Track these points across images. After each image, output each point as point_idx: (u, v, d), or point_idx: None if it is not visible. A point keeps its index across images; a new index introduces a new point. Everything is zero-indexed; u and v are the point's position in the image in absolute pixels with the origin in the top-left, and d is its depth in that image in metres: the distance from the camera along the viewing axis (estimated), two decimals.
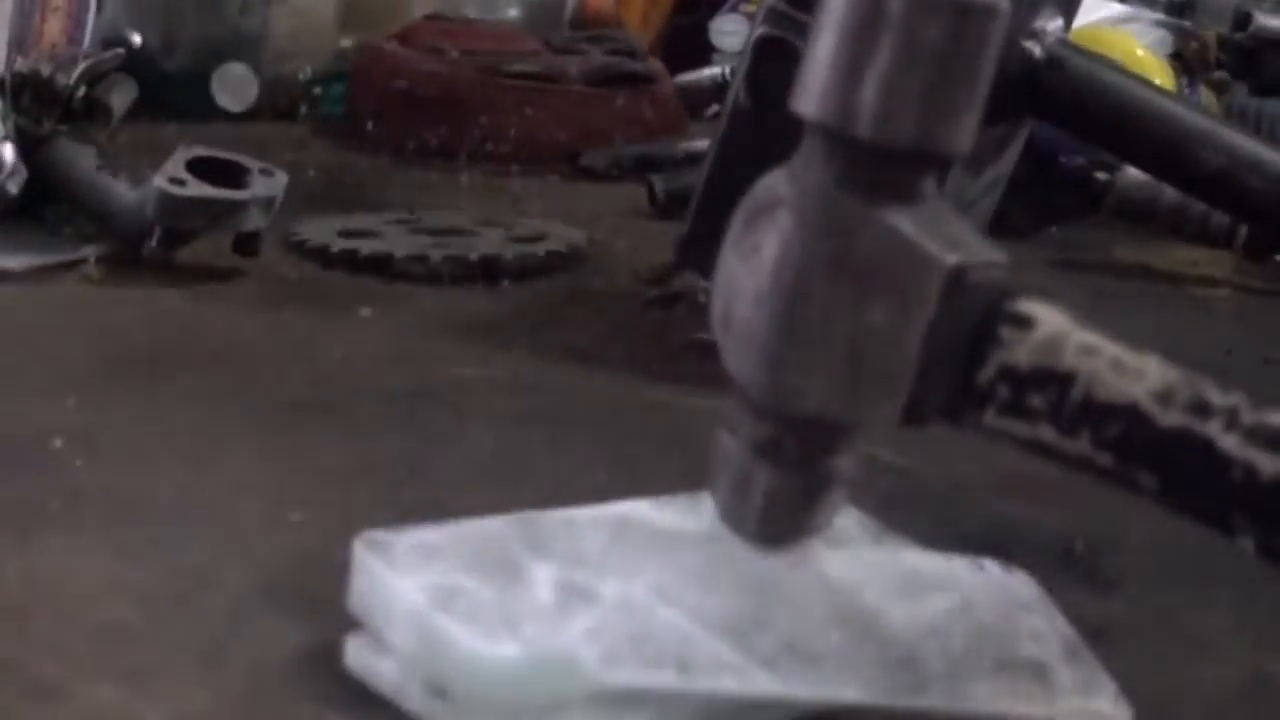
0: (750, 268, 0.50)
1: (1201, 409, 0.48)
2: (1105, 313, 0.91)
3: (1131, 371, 0.49)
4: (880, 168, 0.49)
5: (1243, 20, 1.20)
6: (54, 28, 1.04)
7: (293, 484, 0.65)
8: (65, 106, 0.97)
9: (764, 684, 0.49)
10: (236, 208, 0.88)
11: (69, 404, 0.71)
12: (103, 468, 0.65)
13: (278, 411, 0.72)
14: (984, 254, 0.50)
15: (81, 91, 0.98)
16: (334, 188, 1.13)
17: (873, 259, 0.49)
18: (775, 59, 0.75)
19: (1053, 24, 0.82)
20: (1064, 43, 0.84)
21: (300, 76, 1.29)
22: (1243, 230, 1.05)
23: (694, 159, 1.21)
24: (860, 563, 0.56)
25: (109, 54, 1.04)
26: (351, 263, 0.93)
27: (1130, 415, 0.49)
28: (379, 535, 0.51)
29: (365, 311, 0.88)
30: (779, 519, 0.52)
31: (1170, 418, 0.49)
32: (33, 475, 0.64)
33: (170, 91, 1.21)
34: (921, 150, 0.49)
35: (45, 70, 0.98)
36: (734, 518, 0.52)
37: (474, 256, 0.94)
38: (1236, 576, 0.63)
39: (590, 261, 0.99)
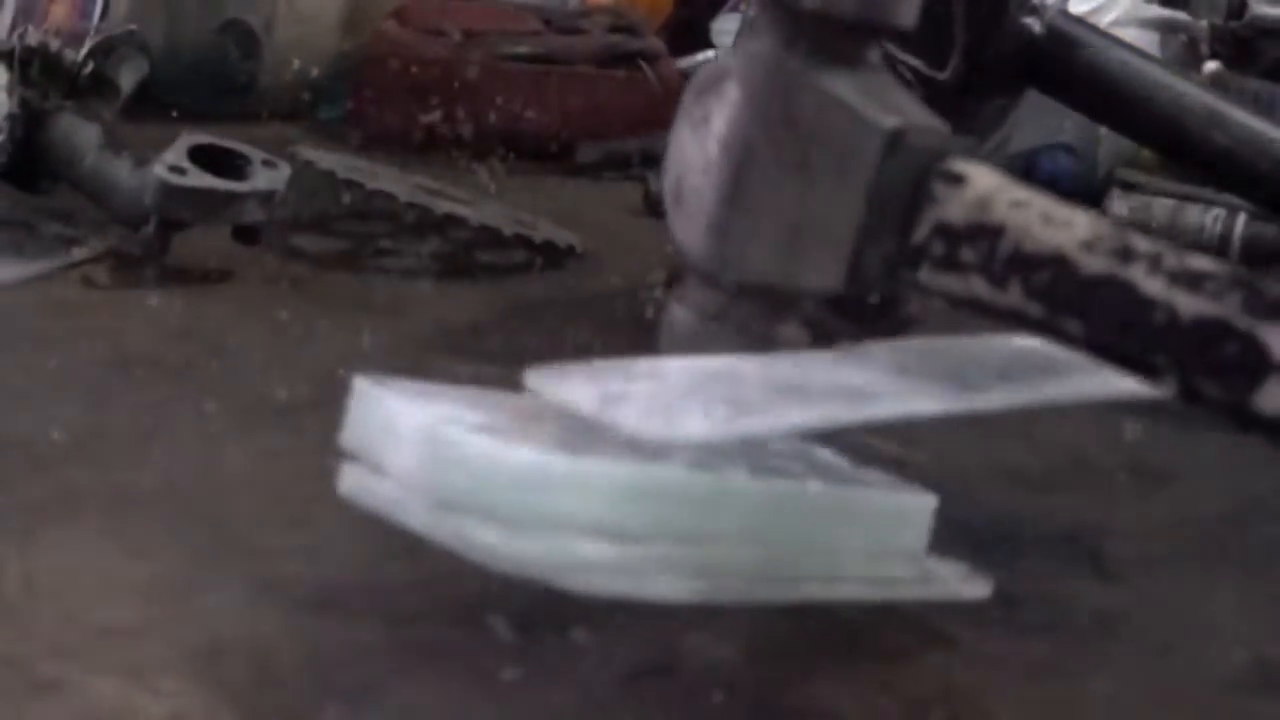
0: (699, 138, 0.52)
1: (1125, 254, 0.49)
2: None
3: (1060, 222, 0.51)
4: (824, 36, 0.51)
5: (1237, 8, 1.19)
6: (60, 12, 1.03)
7: (290, 483, 0.65)
8: (72, 82, 0.96)
9: (829, 413, 0.49)
10: (235, 199, 0.87)
11: (67, 404, 0.71)
12: (101, 467, 0.65)
13: (275, 411, 0.72)
14: (922, 119, 0.51)
15: (89, 67, 0.97)
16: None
17: (815, 123, 0.51)
18: None
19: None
20: (1065, 15, 0.83)
21: (298, 72, 1.28)
22: (1236, 243, 1.04)
23: None
24: None
25: (120, 31, 1.03)
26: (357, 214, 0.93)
27: (1057, 263, 0.50)
28: (378, 378, 0.51)
29: (361, 311, 0.88)
30: None
31: (1095, 264, 0.50)
32: (33, 475, 0.64)
33: (172, 92, 1.20)
34: (864, 19, 0.51)
35: (53, 44, 0.97)
36: None
37: (474, 221, 0.94)
38: (1240, 563, 0.64)
39: (586, 259, 0.98)
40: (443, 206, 0.94)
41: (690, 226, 0.53)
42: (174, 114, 1.12)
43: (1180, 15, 1.26)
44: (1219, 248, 1.05)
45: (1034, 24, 0.79)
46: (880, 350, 0.54)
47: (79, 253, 0.89)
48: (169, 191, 0.86)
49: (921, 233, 0.51)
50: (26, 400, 0.72)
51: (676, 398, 0.48)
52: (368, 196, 0.94)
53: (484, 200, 1.01)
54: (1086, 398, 0.54)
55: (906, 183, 0.51)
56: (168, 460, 0.66)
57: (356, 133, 1.24)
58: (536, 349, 0.82)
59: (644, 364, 0.51)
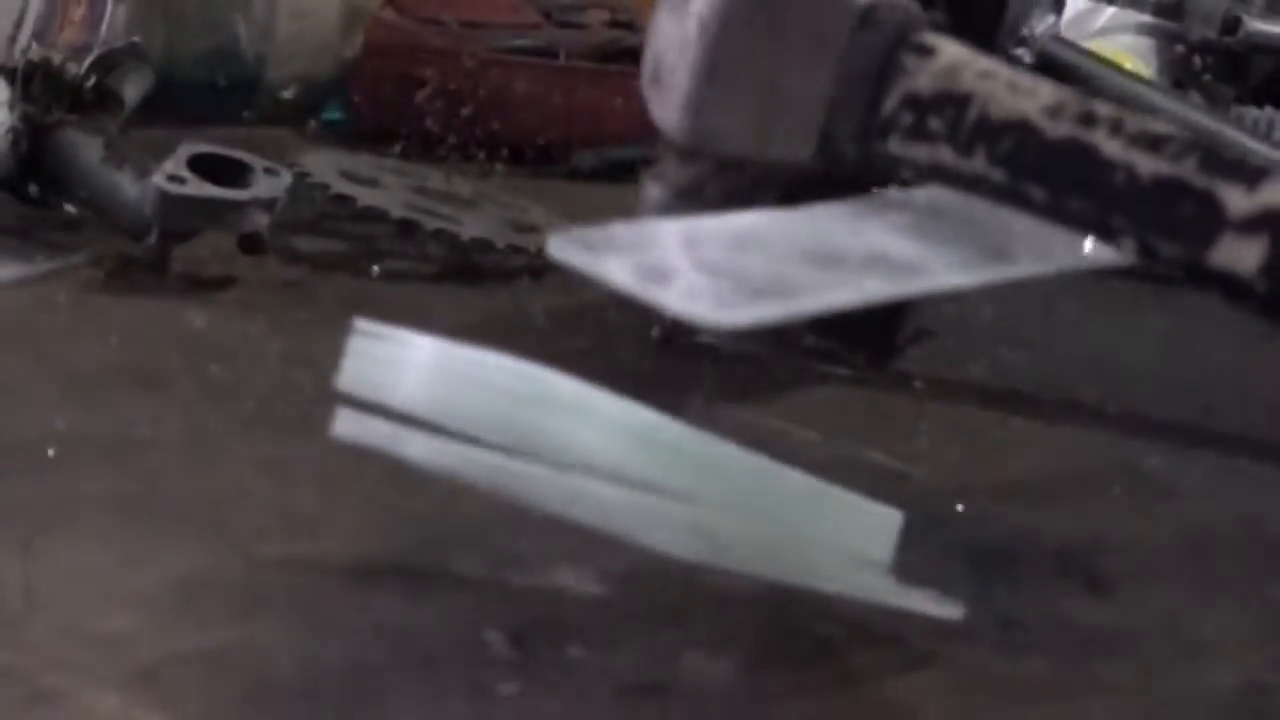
0: (678, 18, 0.53)
1: (1088, 119, 0.51)
2: (1103, 315, 0.92)
3: (1025, 91, 0.52)
4: None
5: (1231, 24, 1.19)
6: (70, 36, 1.04)
7: (290, 491, 0.65)
8: (75, 96, 0.96)
9: (870, 289, 0.50)
10: (236, 208, 0.87)
11: (67, 409, 0.71)
12: (102, 474, 0.65)
13: (277, 417, 0.72)
14: None
15: (92, 81, 0.97)
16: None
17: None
18: None
19: (1044, 24, 0.81)
20: (1057, 41, 0.83)
21: (284, 94, 1.29)
22: None
23: None
24: None
25: (123, 44, 1.03)
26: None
27: (1021, 130, 0.52)
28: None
29: (361, 316, 0.87)
30: None
31: (1058, 129, 0.51)
32: (33, 481, 0.64)
33: (174, 97, 1.20)
34: None
35: (56, 59, 0.97)
36: None
37: (466, 237, 0.93)
38: (1236, 582, 0.64)
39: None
40: (433, 223, 0.94)
41: (667, 103, 0.55)
42: (177, 117, 1.13)
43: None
44: None
45: (1024, 55, 0.79)
46: (887, 206, 0.54)
47: (79, 256, 0.89)
48: (169, 201, 0.86)
49: (891, 103, 0.53)
50: (25, 404, 0.72)
51: (717, 277, 0.48)
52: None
53: (482, 203, 1.00)
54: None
55: (877, 55, 0.53)
56: (166, 467, 0.67)
57: (357, 127, 1.24)
58: (539, 352, 0.83)
59: (669, 227, 0.51)
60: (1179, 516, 0.70)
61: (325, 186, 0.94)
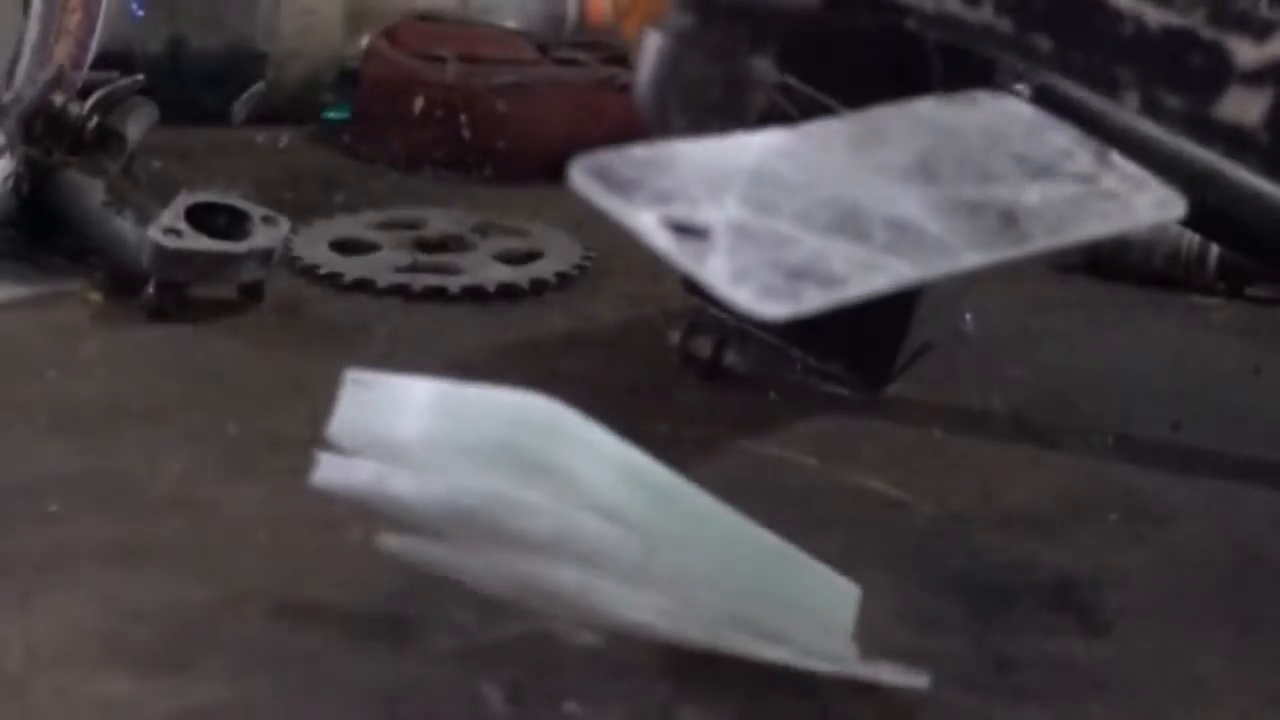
0: None
1: None
2: (1102, 317, 0.91)
3: None
4: None
5: None
6: (61, 52, 1.04)
7: (291, 531, 0.65)
8: (77, 137, 0.97)
9: (901, 271, 0.49)
10: (233, 260, 0.88)
11: (64, 445, 0.72)
12: (103, 518, 0.65)
13: (280, 450, 0.72)
14: None
15: (94, 121, 0.97)
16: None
17: None
18: None
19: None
20: (1053, 76, 0.82)
21: (279, 145, 1.29)
22: (1212, 260, 1.04)
23: None
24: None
25: (125, 81, 1.04)
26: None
27: None
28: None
29: (367, 340, 0.88)
30: (699, 105, 0.53)
31: None
32: (32, 527, 0.64)
33: (180, 97, 1.21)
34: None
35: (57, 100, 0.98)
36: (654, 105, 0.53)
37: (456, 289, 0.94)
38: (1233, 619, 0.64)
39: (589, 279, 0.99)
40: (421, 282, 0.94)
41: None
42: (189, 119, 1.14)
43: None
44: (1197, 262, 1.05)
45: (1023, 90, 0.78)
46: (885, 132, 0.54)
47: (77, 281, 0.89)
48: (165, 255, 0.86)
49: None
50: (21, 440, 0.72)
51: (752, 252, 0.48)
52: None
53: (481, 239, 1.01)
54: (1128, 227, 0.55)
55: None
56: (166, 508, 0.67)
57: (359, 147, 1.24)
58: (545, 375, 0.83)
59: (688, 156, 0.50)
60: (1176, 545, 0.70)
61: (315, 267, 0.95)
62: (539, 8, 1.42)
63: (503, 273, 0.97)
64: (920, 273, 0.51)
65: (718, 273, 0.47)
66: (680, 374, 0.83)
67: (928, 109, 0.56)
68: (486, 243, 1.02)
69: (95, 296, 0.90)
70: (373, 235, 1.02)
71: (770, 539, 0.54)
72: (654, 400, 0.81)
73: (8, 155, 0.92)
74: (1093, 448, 0.79)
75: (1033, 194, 0.54)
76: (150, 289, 0.87)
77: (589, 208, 0.51)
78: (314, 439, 0.73)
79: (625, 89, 1.25)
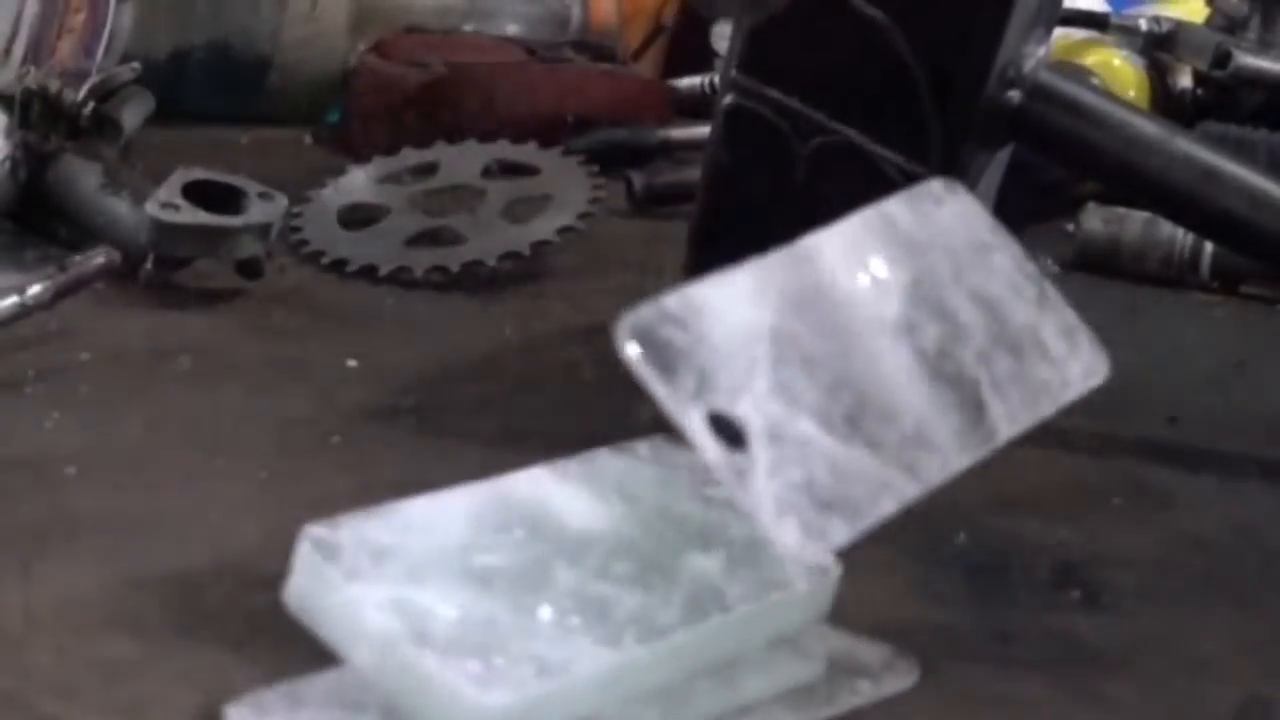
0: None
1: None
2: (1102, 314, 0.92)
3: None
4: None
5: (1222, 59, 1.20)
6: (65, 49, 1.04)
7: (293, 507, 0.65)
8: (74, 123, 0.97)
9: (906, 491, 0.51)
10: (230, 235, 0.87)
11: (66, 422, 0.71)
12: (103, 492, 0.65)
13: (278, 431, 0.73)
14: None
15: (90, 107, 0.97)
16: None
17: None
18: (744, 126, 0.76)
19: (1035, 58, 0.79)
20: (1050, 72, 0.80)
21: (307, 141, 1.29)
22: (1206, 259, 1.04)
23: (669, 148, 1.23)
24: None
25: (122, 69, 1.04)
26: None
27: None
28: (324, 533, 0.50)
29: (362, 325, 0.88)
30: None
31: None
32: (33, 501, 0.64)
33: (183, 98, 1.21)
34: None
35: (54, 86, 0.98)
36: None
37: (454, 268, 0.94)
38: (1235, 596, 0.64)
39: (582, 264, 0.99)
40: (425, 263, 0.94)
41: None
42: (189, 120, 1.14)
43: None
44: (1190, 263, 1.05)
45: (1015, 96, 0.77)
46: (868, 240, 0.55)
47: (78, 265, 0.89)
48: (162, 229, 0.86)
49: None
50: (24, 418, 0.72)
51: (791, 484, 0.49)
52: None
53: (480, 214, 1.00)
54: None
55: None
56: (167, 483, 0.67)
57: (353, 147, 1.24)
58: (539, 365, 0.84)
59: (711, 310, 0.50)
60: (1177, 527, 0.70)
61: (320, 253, 0.96)
62: (542, 13, 1.43)
63: (508, 238, 0.96)
64: (920, 488, 0.52)
65: (761, 503, 0.48)
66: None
67: (898, 216, 0.57)
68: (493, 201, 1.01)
69: (96, 284, 0.89)
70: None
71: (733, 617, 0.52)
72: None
73: (4, 140, 0.91)
74: (1093, 437, 0.79)
75: (999, 366, 0.55)
76: (148, 264, 0.87)
77: None
78: (311, 420, 0.74)
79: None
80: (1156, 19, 1.25)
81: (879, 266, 0.54)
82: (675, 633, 0.50)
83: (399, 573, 0.49)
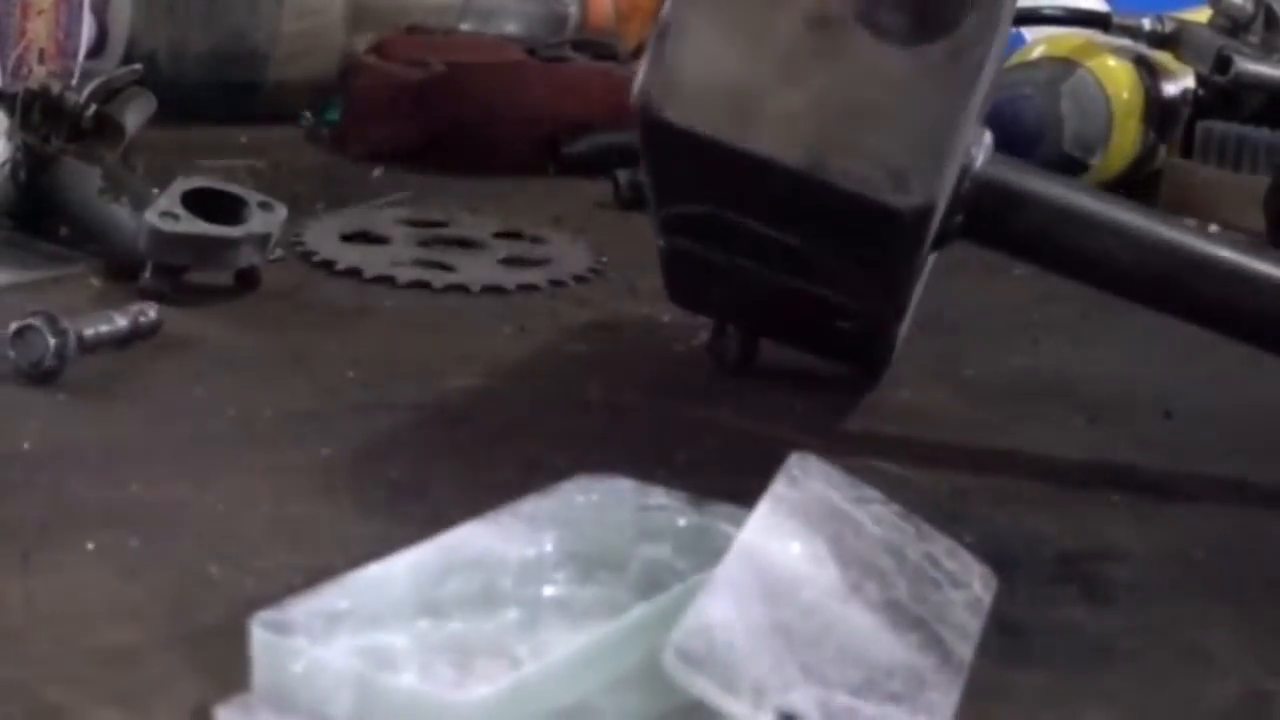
0: None
1: None
2: (1102, 310, 0.91)
3: None
4: None
5: (1224, 64, 1.21)
6: (39, 29, 1.03)
7: (293, 499, 0.65)
8: (75, 125, 0.97)
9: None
10: (230, 245, 0.87)
11: (65, 416, 0.72)
12: (102, 483, 0.65)
13: (278, 424, 0.73)
14: None
15: (92, 109, 0.98)
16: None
17: None
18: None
19: (978, 150, 0.72)
20: (996, 163, 0.73)
21: (302, 123, 1.29)
22: None
23: None
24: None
25: (124, 70, 1.04)
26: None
27: None
28: (273, 615, 0.49)
29: (365, 321, 0.88)
30: None
31: None
32: (34, 493, 0.64)
33: (181, 96, 1.21)
34: None
35: (55, 87, 0.98)
36: None
37: (475, 288, 0.95)
38: (1237, 591, 0.64)
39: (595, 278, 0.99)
40: (444, 280, 0.94)
41: None
42: (183, 117, 1.14)
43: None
44: None
45: (964, 189, 0.71)
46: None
47: (77, 266, 0.89)
48: (161, 238, 0.86)
49: None
50: (23, 412, 0.72)
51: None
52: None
53: (478, 259, 1.01)
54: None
55: None
56: (166, 476, 0.67)
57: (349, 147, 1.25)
58: (542, 360, 0.84)
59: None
60: (1176, 522, 0.70)
61: (331, 263, 0.95)
62: (540, 12, 1.43)
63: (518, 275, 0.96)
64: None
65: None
66: (682, 359, 0.84)
67: (786, 495, 0.57)
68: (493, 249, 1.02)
69: (95, 281, 0.90)
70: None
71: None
72: (658, 382, 0.82)
73: (5, 141, 0.92)
74: (1091, 433, 0.79)
75: (932, 601, 0.56)
76: (147, 273, 0.87)
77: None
78: (312, 413, 0.74)
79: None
80: (1159, 18, 1.25)
81: (801, 542, 0.55)
82: (637, 607, 0.51)
83: (357, 626, 0.49)
